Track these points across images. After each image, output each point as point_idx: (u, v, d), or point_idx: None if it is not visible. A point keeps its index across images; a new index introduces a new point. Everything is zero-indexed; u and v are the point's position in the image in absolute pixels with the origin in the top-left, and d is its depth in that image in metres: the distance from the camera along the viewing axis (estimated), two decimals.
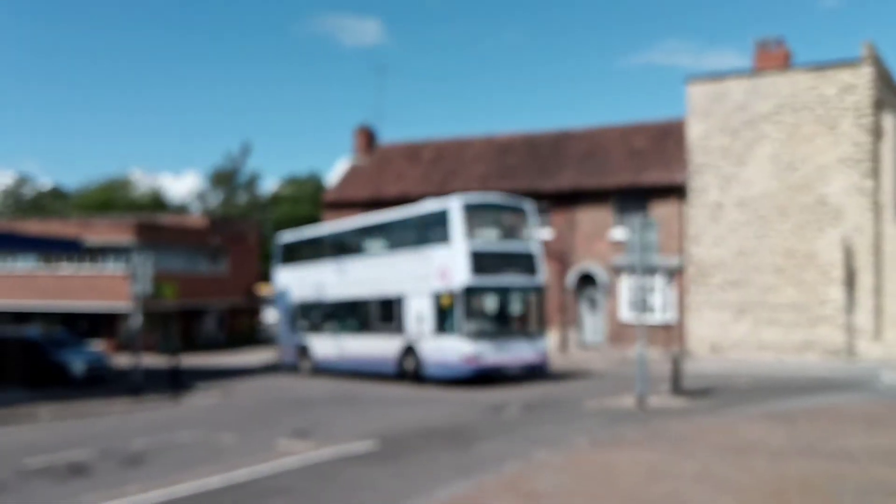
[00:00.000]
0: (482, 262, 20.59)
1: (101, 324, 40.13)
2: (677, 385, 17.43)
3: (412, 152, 38.04)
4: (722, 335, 28.21)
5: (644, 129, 33.17)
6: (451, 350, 20.40)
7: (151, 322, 40.53)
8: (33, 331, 26.91)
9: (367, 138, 38.96)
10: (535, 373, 21.37)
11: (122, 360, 28.63)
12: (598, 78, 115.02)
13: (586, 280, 31.26)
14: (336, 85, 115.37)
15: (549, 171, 32.85)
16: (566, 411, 15.40)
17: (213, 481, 9.41)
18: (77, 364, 24.05)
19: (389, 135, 61.35)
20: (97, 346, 34.47)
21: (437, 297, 20.84)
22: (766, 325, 27.53)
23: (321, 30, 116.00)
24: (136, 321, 21.97)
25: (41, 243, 26.08)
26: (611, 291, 30.57)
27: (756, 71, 28.39)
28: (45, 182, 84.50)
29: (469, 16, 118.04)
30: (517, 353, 20.80)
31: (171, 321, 41.19)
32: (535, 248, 22.01)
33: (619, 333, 30.15)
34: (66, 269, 39.88)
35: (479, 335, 20.26)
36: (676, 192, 29.35)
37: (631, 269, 17.74)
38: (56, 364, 23.83)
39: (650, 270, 17.07)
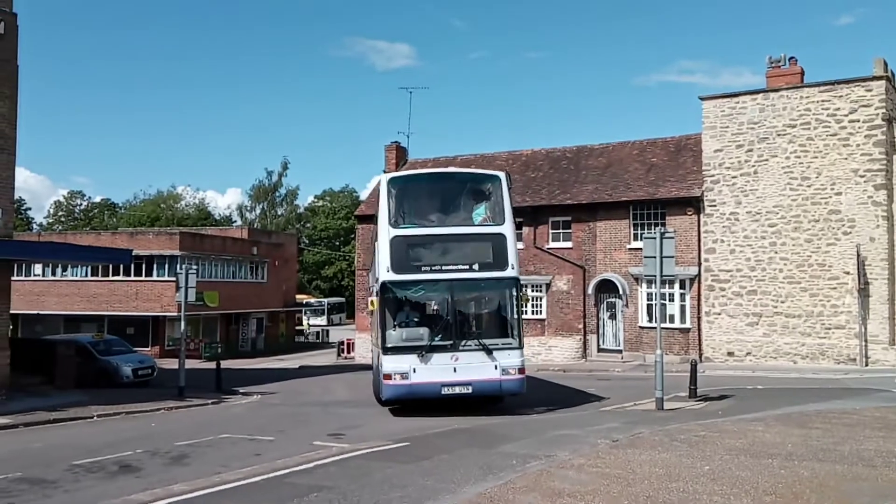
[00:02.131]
0: (414, 251, 15.49)
1: (149, 330, 40.61)
2: (694, 389, 17.27)
3: (440, 167, 38.08)
4: (738, 342, 27.88)
5: (660, 144, 33.03)
6: (378, 367, 16.02)
7: (196, 328, 40.99)
8: (85, 336, 27.36)
9: (398, 154, 39.13)
10: (499, 397, 16.05)
11: (168, 364, 28.93)
12: (617, 95, 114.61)
13: (606, 288, 31.07)
14: (370, 105, 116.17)
15: (570, 185, 32.76)
16: (587, 414, 15.30)
17: (255, 479, 9.46)
18: (126, 368, 24.39)
19: (419, 151, 61.51)
20: (145, 351, 34.90)
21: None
22: (780, 332, 27.15)
23: (356, 53, 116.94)
24: (182, 327, 22.22)
25: (93, 254, 26.44)
26: (630, 299, 30.36)
27: (769, 88, 28.13)
28: (96, 197, 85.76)
29: (494, 39, 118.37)
30: (465, 371, 15.13)
31: (214, 327, 41.55)
32: (504, 230, 15.75)
33: (638, 340, 29.91)
34: (116, 278, 40.45)
35: (400, 348, 15.20)
36: (692, 204, 29.12)
37: (649, 278, 17.58)
38: (106, 368, 24.18)
39: (668, 279, 16.90)
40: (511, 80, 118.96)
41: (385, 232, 15.47)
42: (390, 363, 15.11)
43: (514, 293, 15.64)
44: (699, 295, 28.74)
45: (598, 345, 31.34)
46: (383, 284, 15.23)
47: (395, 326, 15.43)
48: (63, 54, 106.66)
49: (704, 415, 14.55)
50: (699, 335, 28.73)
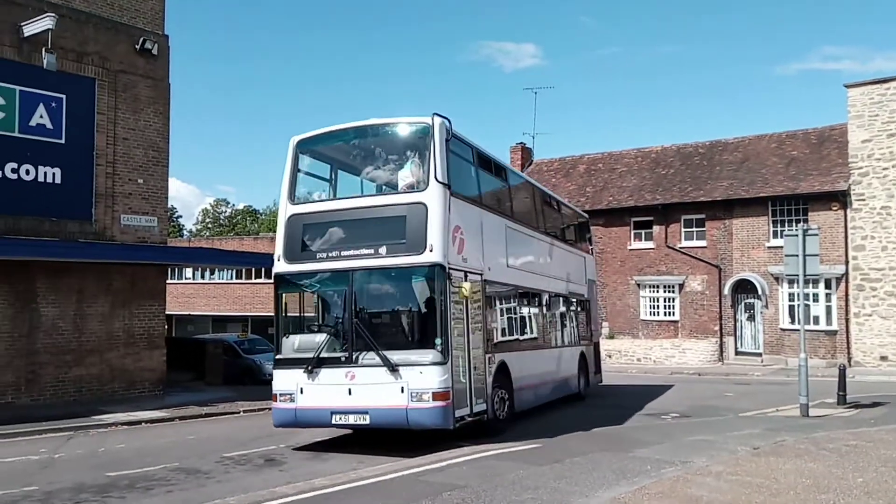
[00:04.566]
0: (311, 232, 12.14)
1: None
2: (843, 395, 16.25)
3: (566, 166, 37.77)
4: (892, 345, 25.99)
5: (801, 136, 31.36)
6: None
7: None
8: (231, 336, 28.92)
9: (524, 155, 39.06)
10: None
11: None
12: (753, 87, 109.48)
13: (744, 288, 29.77)
14: (498, 107, 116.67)
15: (703, 181, 31.63)
16: (725, 419, 14.70)
17: (391, 476, 9.69)
18: (268, 366, 25.39)
19: (545, 152, 61.07)
20: None
21: None
22: None
23: (482, 56, 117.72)
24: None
25: (236, 258, 27.85)
26: (770, 300, 28.94)
27: None
28: (239, 204, 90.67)
29: (624, 35, 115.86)
30: (362, 394, 11.33)
31: None
32: (427, 198, 11.39)
33: (779, 342, 28.46)
34: (259, 280, 42.54)
35: (290, 360, 12.02)
36: (838, 198, 27.42)
37: (791, 278, 16.70)
38: (250, 366, 25.42)
39: (812, 279, 15.99)
40: (641, 77, 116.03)
41: (282, 210, 12.48)
42: (277, 380, 12.08)
43: (439, 285, 11.15)
44: (847, 295, 27.01)
45: (736, 347, 30.09)
46: (276, 277, 12.37)
47: (290, 332, 12.52)
48: (205, 65, 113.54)
49: (855, 423, 13.66)
50: (847, 338, 27.01)
